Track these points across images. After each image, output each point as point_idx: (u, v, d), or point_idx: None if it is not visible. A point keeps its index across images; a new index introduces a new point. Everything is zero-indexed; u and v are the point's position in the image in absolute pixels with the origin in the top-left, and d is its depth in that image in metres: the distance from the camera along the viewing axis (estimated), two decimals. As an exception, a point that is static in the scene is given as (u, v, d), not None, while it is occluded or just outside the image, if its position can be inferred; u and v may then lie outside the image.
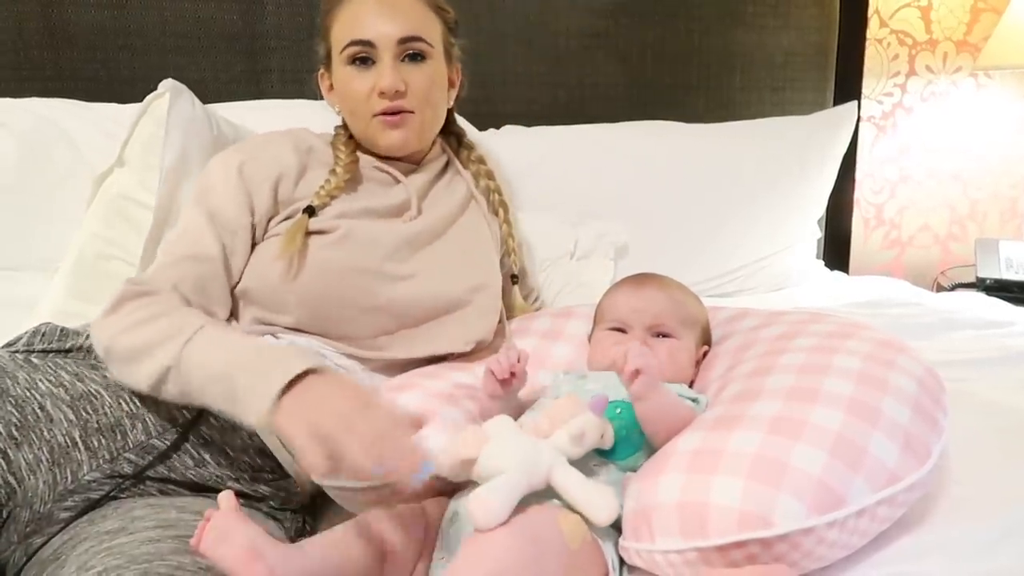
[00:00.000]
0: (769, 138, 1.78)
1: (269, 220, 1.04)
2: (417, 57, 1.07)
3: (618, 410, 0.81)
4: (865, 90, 2.08)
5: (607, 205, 1.61)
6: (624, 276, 1.05)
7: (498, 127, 1.65)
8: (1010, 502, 0.78)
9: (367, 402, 0.75)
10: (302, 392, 0.76)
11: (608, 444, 0.79)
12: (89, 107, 1.40)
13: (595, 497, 0.72)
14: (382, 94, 1.05)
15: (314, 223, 1.01)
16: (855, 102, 1.86)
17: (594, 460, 0.80)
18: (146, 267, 1.20)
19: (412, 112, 1.08)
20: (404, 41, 1.06)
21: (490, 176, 1.23)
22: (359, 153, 1.11)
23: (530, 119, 1.67)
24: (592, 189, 1.62)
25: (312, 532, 0.97)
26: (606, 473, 0.80)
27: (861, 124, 2.03)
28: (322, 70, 1.15)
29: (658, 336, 0.93)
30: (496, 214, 1.23)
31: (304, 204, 1.03)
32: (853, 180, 2.06)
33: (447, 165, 1.20)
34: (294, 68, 1.62)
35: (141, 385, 0.86)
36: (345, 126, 1.14)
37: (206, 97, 1.34)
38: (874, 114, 2.16)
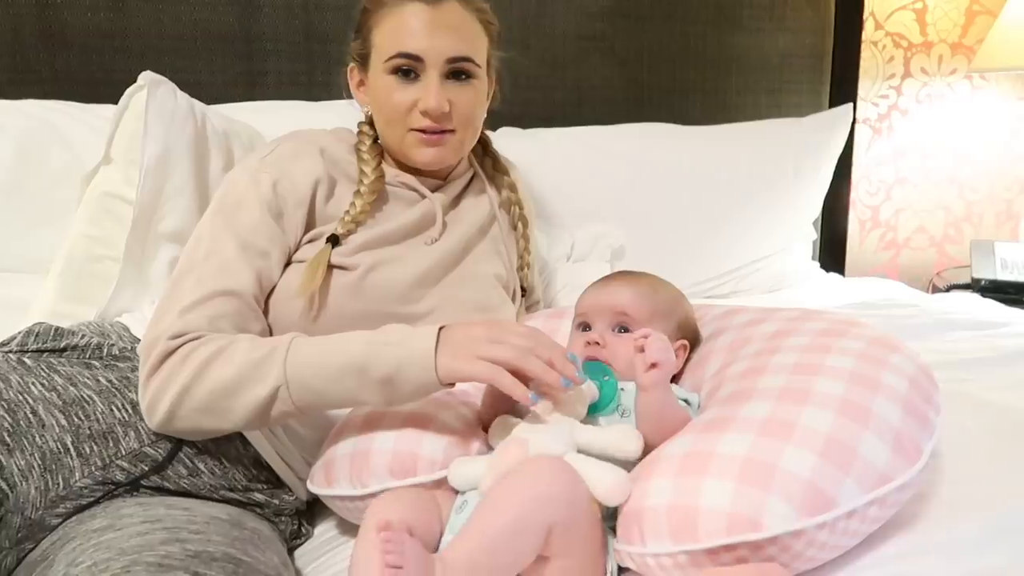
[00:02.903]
0: (765, 140, 1.78)
1: (299, 240, 1.00)
2: (463, 76, 1.04)
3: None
4: (861, 92, 2.09)
5: (603, 207, 1.62)
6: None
7: (494, 129, 1.65)
8: (1003, 501, 0.78)
9: (496, 323, 0.84)
10: (446, 342, 0.82)
11: (595, 396, 0.83)
12: (85, 109, 1.39)
13: (607, 468, 0.74)
14: (425, 113, 1.02)
15: (336, 254, 0.98)
16: (851, 104, 1.86)
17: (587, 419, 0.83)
18: (130, 262, 1.18)
19: (453, 131, 1.05)
20: (453, 60, 1.02)
21: (512, 188, 1.21)
22: (384, 164, 1.08)
23: (526, 121, 1.67)
24: (588, 191, 1.62)
25: (308, 535, 0.97)
26: (605, 421, 0.83)
27: (857, 126, 2.03)
28: (353, 66, 1.10)
29: (619, 330, 0.91)
30: (515, 228, 1.21)
31: (329, 228, 1.00)
32: (849, 182, 2.07)
33: (472, 178, 1.18)
34: (290, 71, 1.62)
35: (238, 420, 0.84)
36: (371, 124, 1.10)
37: (203, 99, 1.33)
38: (870, 116, 2.17)
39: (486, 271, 1.12)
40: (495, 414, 0.87)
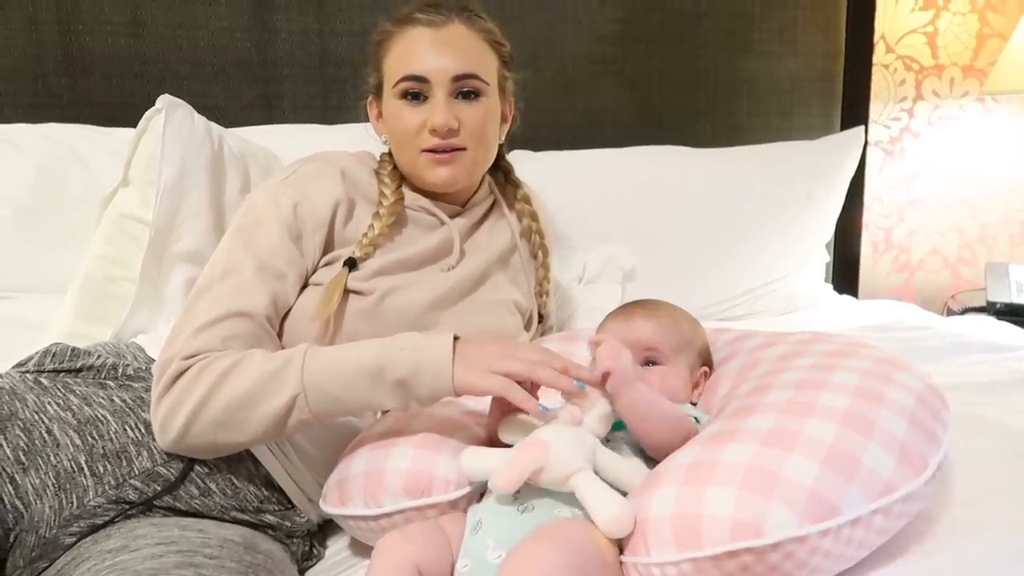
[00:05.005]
0: (777, 163, 1.79)
1: (316, 262, 1.01)
2: (471, 95, 1.05)
3: None
4: (872, 115, 2.09)
5: (615, 229, 1.62)
6: (631, 300, 1.04)
7: (506, 152, 1.67)
8: (1018, 526, 0.77)
9: (508, 340, 0.86)
10: (461, 353, 0.83)
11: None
12: (105, 132, 1.42)
13: (615, 498, 0.73)
14: (433, 131, 1.03)
15: (352, 279, 0.98)
16: (862, 127, 1.87)
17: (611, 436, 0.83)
18: (146, 283, 1.20)
19: (464, 149, 1.05)
20: (459, 78, 1.03)
21: (534, 217, 1.21)
22: (404, 188, 1.08)
23: (538, 144, 1.68)
24: (600, 213, 1.62)
25: (319, 556, 0.97)
26: (622, 442, 0.83)
27: (869, 149, 2.04)
28: (371, 98, 1.12)
29: (648, 364, 0.93)
30: (535, 257, 1.22)
31: (346, 251, 1.01)
32: (861, 204, 2.07)
33: (493, 206, 1.18)
34: (305, 94, 1.65)
35: (254, 432, 0.85)
36: (391, 154, 1.11)
37: (220, 123, 1.36)
38: (882, 139, 2.17)
39: (503, 298, 1.12)
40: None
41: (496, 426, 0.88)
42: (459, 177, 1.07)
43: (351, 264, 0.99)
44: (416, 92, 1.04)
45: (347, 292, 0.98)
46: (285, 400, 0.83)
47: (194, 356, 0.86)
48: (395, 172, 1.09)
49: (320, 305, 0.95)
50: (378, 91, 1.10)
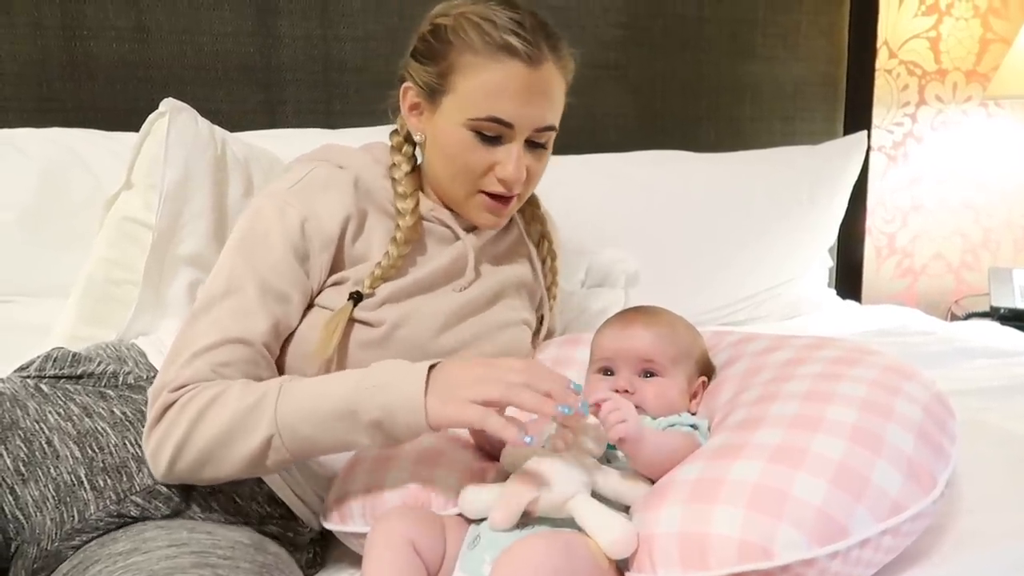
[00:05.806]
0: (780, 167, 1.78)
1: (323, 283, 0.96)
2: (543, 145, 1.00)
3: None
4: (875, 120, 2.09)
5: (618, 234, 1.62)
6: (631, 306, 1.04)
7: (509, 156, 1.67)
8: (1020, 531, 0.77)
9: (490, 361, 0.80)
10: (436, 384, 0.78)
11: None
12: (109, 137, 1.42)
13: (616, 519, 0.73)
14: (503, 180, 0.97)
15: (359, 308, 0.93)
16: (865, 132, 1.86)
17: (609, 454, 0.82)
18: (149, 286, 1.19)
19: (518, 195, 1.01)
20: (540, 130, 0.97)
21: (543, 222, 1.18)
22: (421, 197, 1.02)
23: (541, 149, 1.68)
24: (603, 218, 1.62)
25: (323, 563, 0.96)
26: (622, 458, 0.82)
27: (872, 153, 2.03)
28: (410, 87, 1.00)
29: (646, 375, 0.91)
30: (544, 262, 1.17)
31: (354, 272, 0.96)
32: (864, 209, 2.06)
33: (510, 223, 1.13)
34: (309, 99, 1.65)
35: (233, 470, 0.82)
36: (407, 139, 1.03)
37: (223, 127, 1.35)
38: (885, 143, 2.17)
39: (516, 318, 1.09)
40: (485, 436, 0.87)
41: (479, 438, 0.88)
42: (504, 221, 1.04)
43: (356, 298, 0.94)
44: (496, 135, 0.96)
45: (352, 321, 0.94)
46: (260, 441, 0.80)
47: (182, 388, 0.84)
48: (412, 178, 1.02)
49: (319, 346, 0.91)
50: (430, 92, 0.98)
